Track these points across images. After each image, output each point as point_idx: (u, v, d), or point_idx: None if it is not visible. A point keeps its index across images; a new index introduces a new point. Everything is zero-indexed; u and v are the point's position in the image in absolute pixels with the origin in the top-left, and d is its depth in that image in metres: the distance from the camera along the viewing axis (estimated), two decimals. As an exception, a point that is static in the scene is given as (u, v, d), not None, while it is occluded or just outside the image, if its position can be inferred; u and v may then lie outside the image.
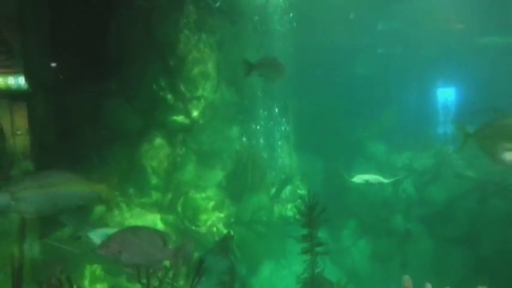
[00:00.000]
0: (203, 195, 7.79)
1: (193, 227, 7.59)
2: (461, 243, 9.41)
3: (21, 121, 6.00)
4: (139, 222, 7.22)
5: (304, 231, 3.80)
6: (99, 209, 6.95)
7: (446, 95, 12.58)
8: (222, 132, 8.13)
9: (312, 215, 3.68)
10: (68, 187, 3.82)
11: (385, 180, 9.37)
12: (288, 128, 10.30)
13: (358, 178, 9.27)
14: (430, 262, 9.22)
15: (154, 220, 7.57)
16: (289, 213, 9.34)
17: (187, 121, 7.67)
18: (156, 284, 3.27)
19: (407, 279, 2.94)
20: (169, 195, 7.66)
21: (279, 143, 10.16)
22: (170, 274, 3.31)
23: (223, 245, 4.26)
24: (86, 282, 6.52)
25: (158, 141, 7.59)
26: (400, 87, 11.83)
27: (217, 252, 4.23)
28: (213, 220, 7.74)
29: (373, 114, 11.40)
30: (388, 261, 9.58)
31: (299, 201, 9.02)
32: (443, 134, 11.88)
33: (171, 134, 7.67)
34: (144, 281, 3.15)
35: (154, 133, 7.56)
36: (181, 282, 3.83)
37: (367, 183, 9.12)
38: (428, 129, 11.72)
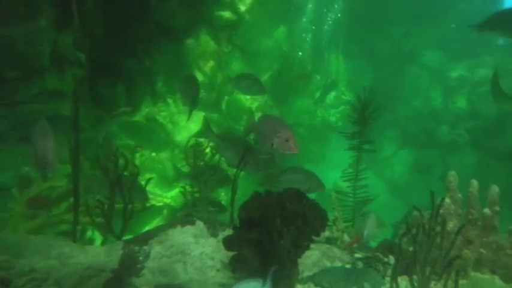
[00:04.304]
0: (247, 95, 7.78)
1: (237, 126, 7.72)
2: (506, 159, 9.18)
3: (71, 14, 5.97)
4: (184, 117, 7.38)
5: (354, 129, 3.76)
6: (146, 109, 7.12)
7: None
8: (269, 30, 7.83)
9: (365, 112, 3.61)
10: None
11: None
12: (337, 31, 9.78)
13: None
14: (472, 175, 9.14)
15: (199, 117, 7.69)
16: (332, 119, 9.28)
17: (234, 17, 7.40)
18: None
19: (452, 174, 2.88)
20: (214, 94, 7.70)
21: (327, 45, 9.74)
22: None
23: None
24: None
25: (204, 37, 7.43)
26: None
27: None
28: (257, 120, 7.83)
29: (430, 18, 10.55)
30: (429, 172, 9.57)
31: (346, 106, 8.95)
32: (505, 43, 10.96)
33: (217, 30, 7.47)
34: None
35: (200, 29, 7.38)
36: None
37: None
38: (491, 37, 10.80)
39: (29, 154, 2.91)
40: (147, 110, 7.18)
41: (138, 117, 6.97)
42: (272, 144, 3.07)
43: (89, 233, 3.72)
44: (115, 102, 6.53)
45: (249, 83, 5.08)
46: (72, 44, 6.06)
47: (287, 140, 3.05)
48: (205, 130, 3.72)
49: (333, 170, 9.05)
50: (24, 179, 3.75)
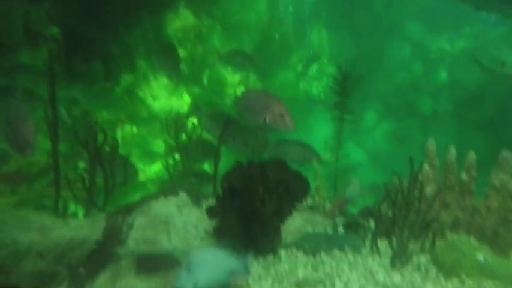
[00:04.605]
0: (229, 68, 7.69)
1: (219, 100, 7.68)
2: (486, 128, 9.38)
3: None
4: (165, 92, 7.30)
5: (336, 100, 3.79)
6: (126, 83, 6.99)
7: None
8: (249, 2, 7.69)
9: (346, 83, 3.62)
10: None
11: None
12: (319, 3, 9.66)
13: None
14: (452, 144, 9.31)
15: (181, 92, 7.64)
16: (315, 91, 9.28)
17: (213, -11, 7.25)
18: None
19: (431, 141, 2.92)
20: (195, 68, 7.60)
21: (309, 18, 9.64)
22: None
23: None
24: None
25: (183, 10, 7.27)
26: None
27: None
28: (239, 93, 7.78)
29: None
30: (409, 142, 9.71)
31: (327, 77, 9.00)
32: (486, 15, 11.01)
33: (196, 3, 7.30)
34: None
35: (179, 2, 7.20)
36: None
37: None
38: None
39: (6, 135, 2.83)
40: (126, 84, 7.05)
41: (118, 91, 6.85)
42: (264, 120, 2.82)
43: (72, 208, 3.68)
44: (93, 77, 6.39)
45: (242, 58, 4.96)
46: (46, 18, 5.86)
47: (281, 115, 2.83)
48: (195, 109, 3.69)
49: (316, 142, 9.09)
50: (2, 154, 3.67)
